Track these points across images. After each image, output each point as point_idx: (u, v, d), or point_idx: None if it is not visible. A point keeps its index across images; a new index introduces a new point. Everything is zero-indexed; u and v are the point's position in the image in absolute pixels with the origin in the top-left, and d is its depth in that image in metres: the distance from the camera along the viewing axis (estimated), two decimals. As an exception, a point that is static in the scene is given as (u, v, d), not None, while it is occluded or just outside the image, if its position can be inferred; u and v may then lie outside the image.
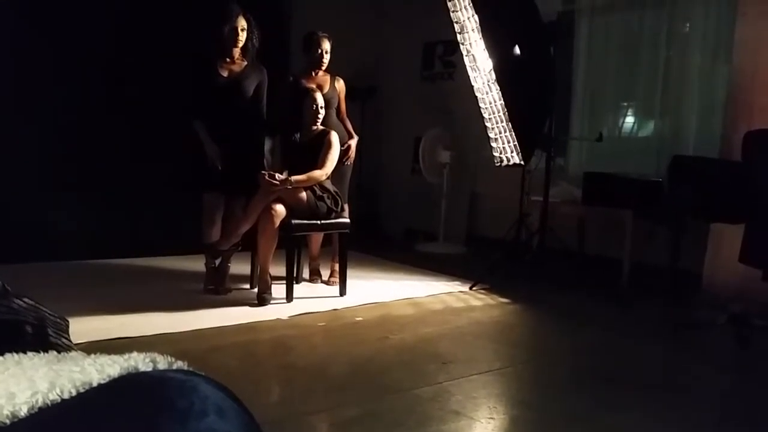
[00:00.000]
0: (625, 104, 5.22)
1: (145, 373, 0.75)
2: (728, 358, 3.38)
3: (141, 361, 0.77)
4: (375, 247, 5.58)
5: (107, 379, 0.74)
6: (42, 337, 1.45)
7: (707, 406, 2.66)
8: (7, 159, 4.48)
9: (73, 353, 0.86)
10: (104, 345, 2.95)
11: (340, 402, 2.52)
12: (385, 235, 6.33)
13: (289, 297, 3.93)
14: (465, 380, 2.77)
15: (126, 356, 0.78)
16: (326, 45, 4.29)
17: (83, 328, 2.99)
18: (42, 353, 0.84)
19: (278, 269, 4.04)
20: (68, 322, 1.42)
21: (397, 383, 2.73)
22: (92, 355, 0.82)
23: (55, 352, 0.84)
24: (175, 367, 0.79)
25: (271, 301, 3.87)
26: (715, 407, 2.67)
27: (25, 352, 0.84)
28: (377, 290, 4.32)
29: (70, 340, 1.58)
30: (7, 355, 0.80)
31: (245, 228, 3.93)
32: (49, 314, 1.59)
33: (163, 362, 0.78)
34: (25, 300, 1.59)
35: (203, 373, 0.79)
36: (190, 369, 0.78)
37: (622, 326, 3.75)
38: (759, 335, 3.50)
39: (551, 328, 3.79)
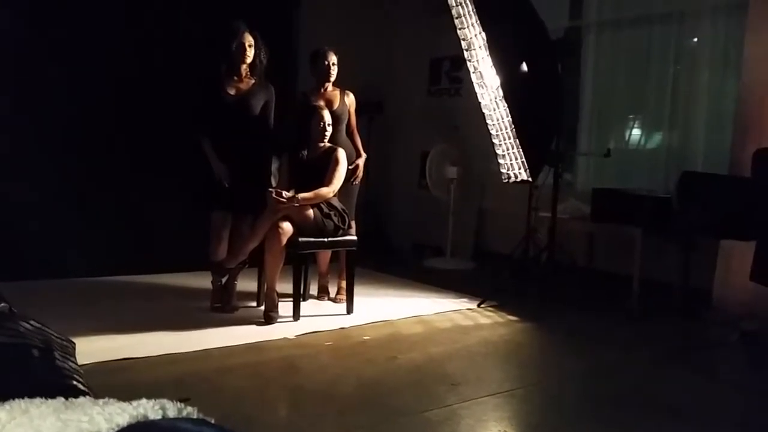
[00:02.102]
0: (633, 120, 5.20)
1: (154, 422, 0.73)
2: (741, 377, 3.33)
3: (150, 409, 0.75)
4: (382, 263, 5.56)
5: (116, 429, 0.72)
6: (49, 360, 1.43)
7: (722, 430, 2.62)
8: (11, 174, 4.47)
9: (81, 399, 0.85)
10: (111, 366, 2.94)
11: (349, 425, 2.49)
12: (393, 251, 6.30)
13: (296, 315, 3.91)
14: (475, 402, 2.73)
15: (135, 404, 0.76)
16: (332, 58, 4.30)
17: (89, 348, 2.97)
18: (49, 400, 0.82)
19: (285, 287, 4.02)
20: (74, 344, 1.40)
21: (407, 406, 2.70)
22: (101, 401, 0.80)
23: (62, 399, 0.83)
24: (184, 414, 0.77)
25: (278, 320, 3.85)
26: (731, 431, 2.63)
27: (32, 396, 0.82)
28: (385, 308, 4.29)
29: (76, 363, 1.55)
30: (14, 403, 0.79)
31: (252, 246, 3.92)
32: (55, 337, 1.57)
33: (172, 409, 0.77)
34: (32, 323, 1.56)
35: (212, 420, 0.77)
36: (200, 417, 0.76)
37: (633, 345, 3.71)
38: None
39: (561, 347, 3.75)
